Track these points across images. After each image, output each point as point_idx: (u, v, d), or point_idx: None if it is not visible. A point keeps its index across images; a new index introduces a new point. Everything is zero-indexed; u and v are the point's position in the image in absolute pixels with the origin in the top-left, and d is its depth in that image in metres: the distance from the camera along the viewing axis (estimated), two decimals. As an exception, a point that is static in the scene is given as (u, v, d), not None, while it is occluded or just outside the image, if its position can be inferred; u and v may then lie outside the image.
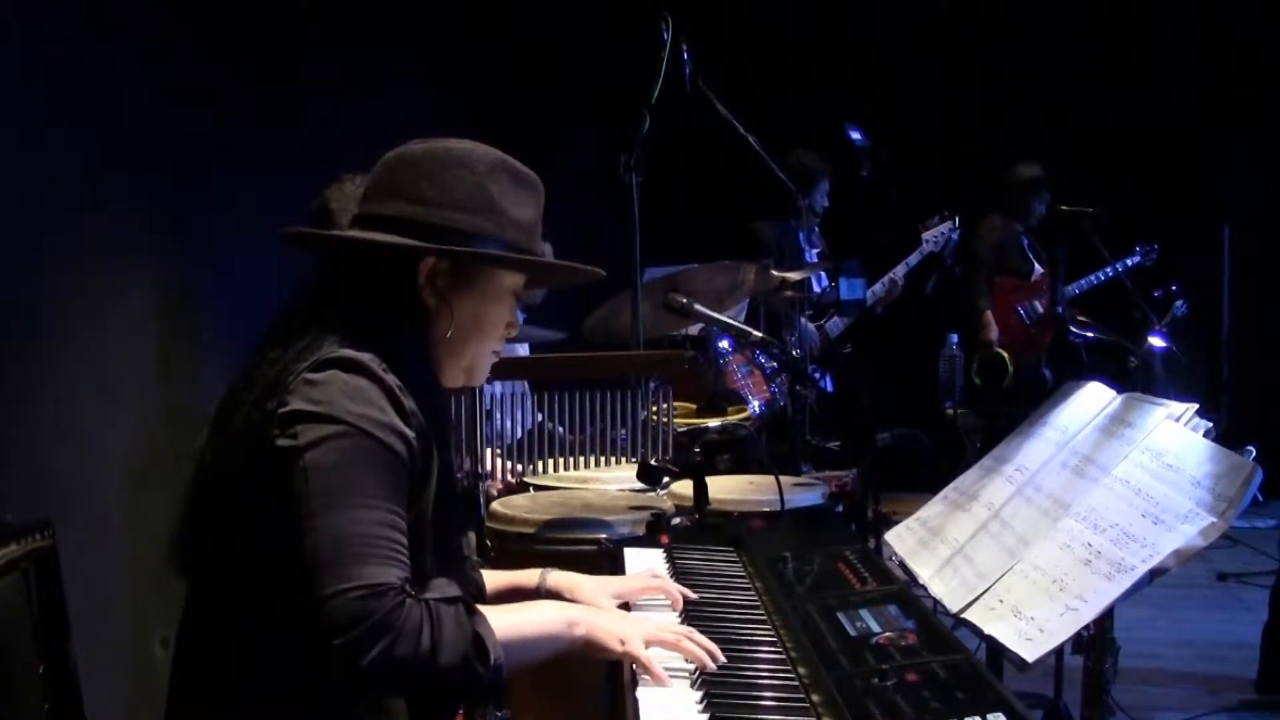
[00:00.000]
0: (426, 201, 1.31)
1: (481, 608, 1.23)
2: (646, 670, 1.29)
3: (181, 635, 1.30)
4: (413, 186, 1.32)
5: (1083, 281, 4.85)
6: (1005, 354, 4.72)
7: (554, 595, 1.53)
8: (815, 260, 4.39)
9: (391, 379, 1.22)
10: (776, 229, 4.28)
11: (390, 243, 1.29)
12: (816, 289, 4.26)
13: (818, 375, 3.99)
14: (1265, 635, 3.27)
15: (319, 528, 1.13)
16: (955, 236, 4.42)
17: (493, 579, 1.57)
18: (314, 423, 1.17)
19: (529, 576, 1.57)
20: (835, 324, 4.32)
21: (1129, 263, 4.81)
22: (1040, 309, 4.85)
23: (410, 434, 1.22)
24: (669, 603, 1.54)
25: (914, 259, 4.36)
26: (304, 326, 1.28)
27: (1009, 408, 3.72)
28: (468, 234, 1.31)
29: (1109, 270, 4.76)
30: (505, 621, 1.23)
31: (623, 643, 1.31)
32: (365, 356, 1.22)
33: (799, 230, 4.40)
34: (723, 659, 1.32)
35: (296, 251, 1.38)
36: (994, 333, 4.81)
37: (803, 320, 3.83)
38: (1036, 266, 4.91)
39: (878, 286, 4.33)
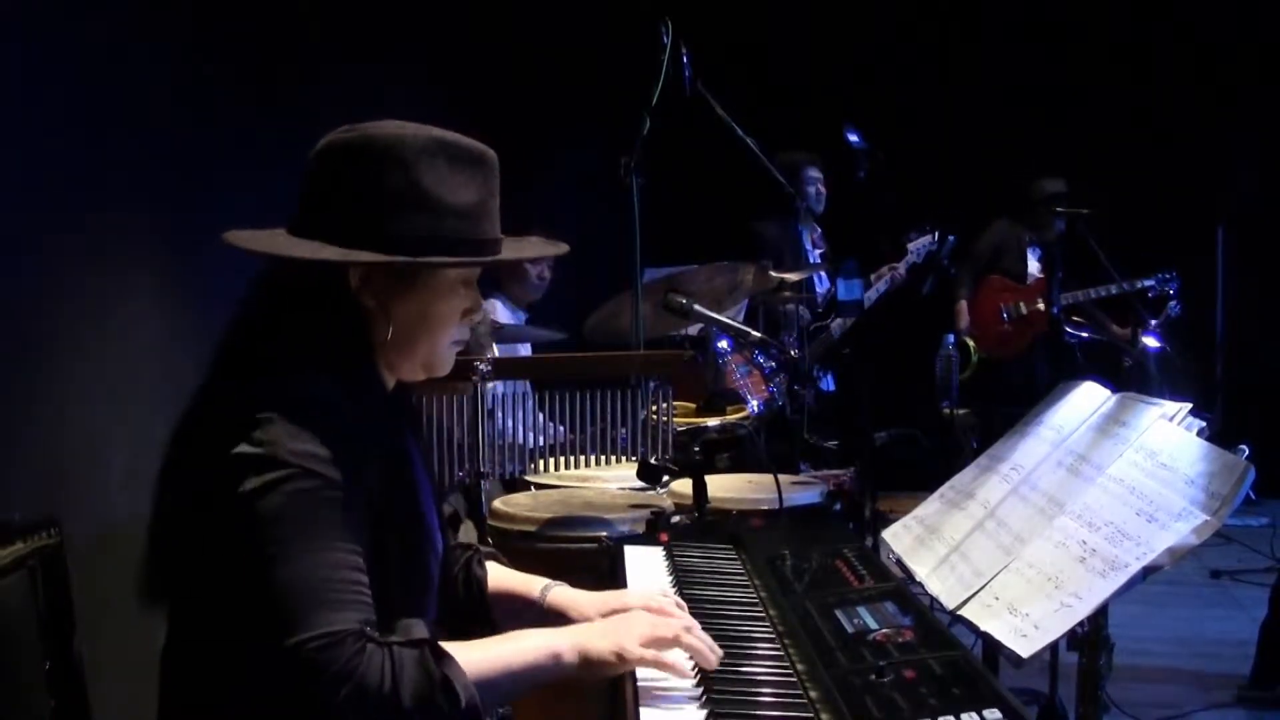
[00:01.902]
0: (353, 202, 1.23)
1: (458, 645, 1.18)
2: (657, 666, 1.25)
3: (165, 657, 1.28)
4: (338, 185, 1.24)
5: (1079, 294, 4.88)
6: (971, 342, 4.79)
7: (551, 612, 1.46)
8: (818, 260, 4.42)
9: (334, 404, 1.18)
10: (778, 229, 4.30)
11: (308, 259, 1.22)
12: (820, 289, 4.28)
13: (819, 374, 4.01)
14: (1263, 632, 3.30)
15: (274, 577, 1.10)
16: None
17: (500, 577, 1.53)
18: (258, 469, 1.13)
19: (531, 586, 1.50)
20: (838, 325, 4.34)
21: (1140, 285, 4.82)
22: (1023, 311, 4.90)
23: (358, 462, 1.18)
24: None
25: (901, 269, 4.40)
26: (245, 350, 1.24)
27: (1004, 407, 3.75)
28: (399, 236, 1.22)
29: (1114, 288, 4.78)
30: (480, 657, 1.18)
31: (620, 656, 1.24)
32: (305, 387, 1.18)
33: (802, 230, 4.42)
34: (720, 653, 1.28)
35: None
36: (964, 321, 4.92)
37: (799, 309, 3.87)
38: (1033, 273, 4.96)
39: (881, 284, 4.34)
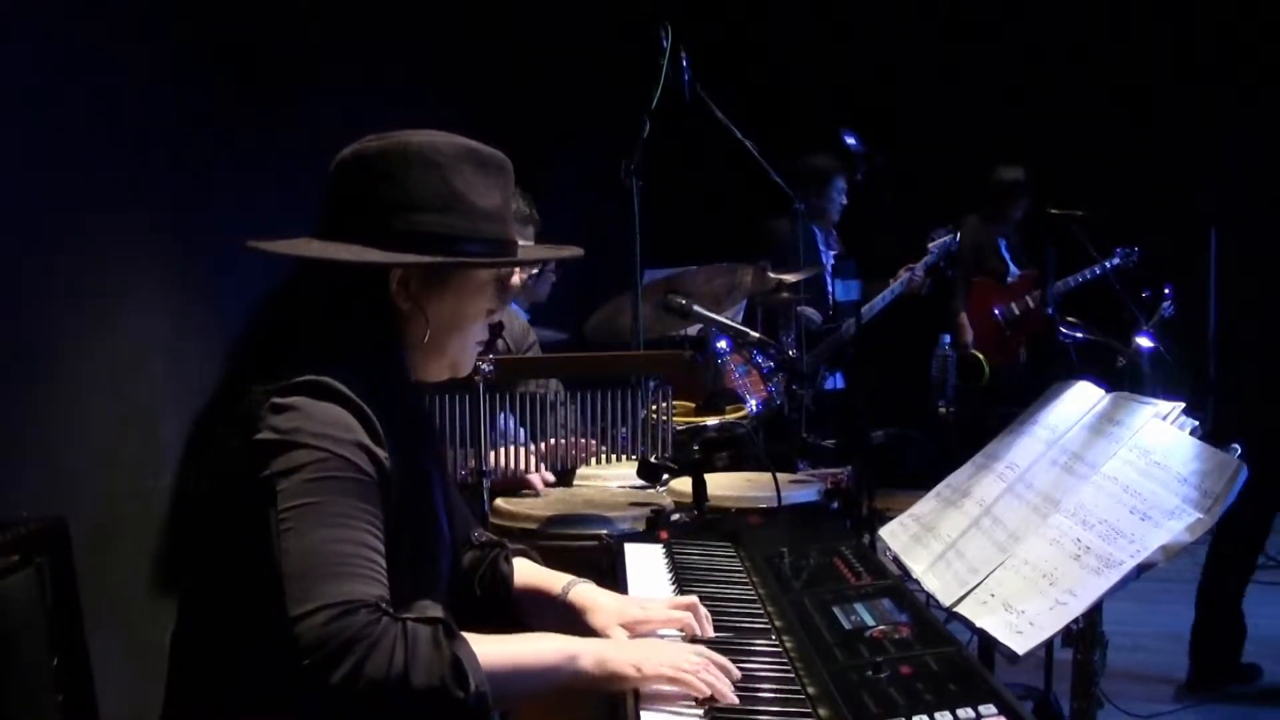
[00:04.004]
0: (389, 205, 1.26)
1: (474, 636, 1.16)
2: (680, 684, 1.22)
3: (175, 644, 1.29)
4: (373, 189, 1.26)
5: (1058, 284, 4.90)
6: (980, 355, 4.81)
7: (569, 609, 1.46)
8: (832, 261, 4.45)
9: (359, 399, 1.19)
10: (791, 227, 4.34)
11: (354, 262, 1.24)
12: (830, 289, 4.30)
13: (825, 373, 4.04)
14: (1193, 634, 3.35)
15: (290, 549, 1.09)
16: (954, 247, 4.48)
17: (526, 574, 1.53)
18: (281, 451, 1.15)
19: (553, 582, 1.50)
20: (849, 324, 4.36)
21: (1108, 265, 4.85)
22: (1016, 311, 4.92)
23: (381, 453, 1.19)
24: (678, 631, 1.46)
25: (919, 270, 4.40)
26: (271, 346, 1.26)
27: (991, 407, 3.78)
28: (437, 236, 1.26)
29: (1087, 273, 4.81)
30: (495, 650, 1.17)
31: (639, 669, 1.23)
32: (331, 379, 1.19)
33: (817, 231, 4.46)
34: (733, 698, 1.22)
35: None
36: (969, 335, 4.90)
37: (808, 311, 3.90)
38: (1013, 269, 4.98)
39: (897, 285, 4.35)
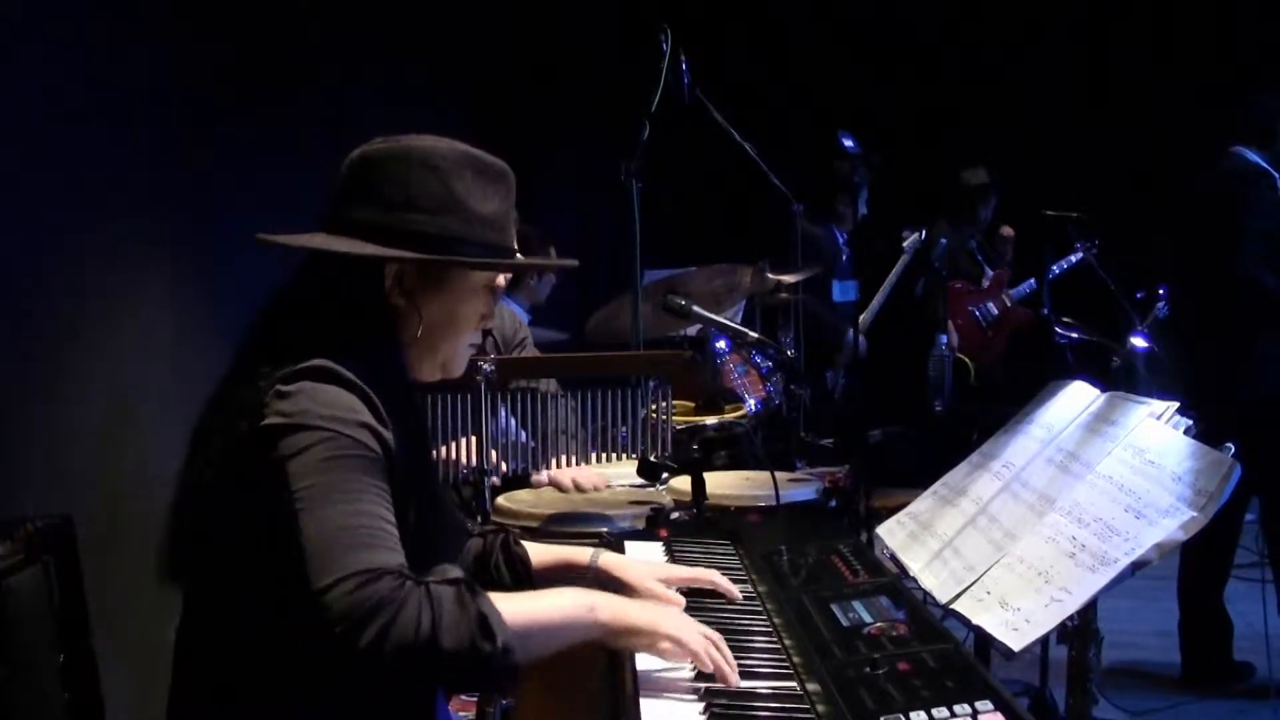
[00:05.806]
0: (389, 204, 1.30)
1: (495, 594, 1.18)
2: (687, 651, 1.25)
3: (181, 637, 1.30)
4: (375, 189, 1.30)
5: (1024, 286, 4.92)
6: (967, 359, 4.83)
7: (603, 575, 1.51)
8: (847, 264, 4.48)
9: (361, 380, 1.21)
10: (825, 232, 4.38)
11: (348, 253, 1.28)
12: (834, 295, 4.33)
13: (844, 379, 4.07)
14: (1181, 632, 3.36)
15: (306, 527, 1.11)
16: (939, 250, 4.48)
17: (542, 552, 1.57)
18: (289, 434, 1.16)
19: (580, 554, 1.55)
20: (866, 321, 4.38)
21: (1073, 259, 4.87)
22: (995, 311, 4.94)
23: (386, 433, 1.21)
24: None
25: (900, 266, 4.44)
26: (275, 338, 1.28)
27: (984, 406, 3.80)
28: (433, 236, 1.30)
29: (1054, 269, 4.82)
30: (518, 606, 1.19)
31: (655, 626, 1.27)
32: (335, 364, 1.22)
33: (838, 234, 4.49)
34: (735, 679, 1.26)
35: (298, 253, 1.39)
36: (955, 339, 4.90)
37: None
38: (988, 271, 5.00)
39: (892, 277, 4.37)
